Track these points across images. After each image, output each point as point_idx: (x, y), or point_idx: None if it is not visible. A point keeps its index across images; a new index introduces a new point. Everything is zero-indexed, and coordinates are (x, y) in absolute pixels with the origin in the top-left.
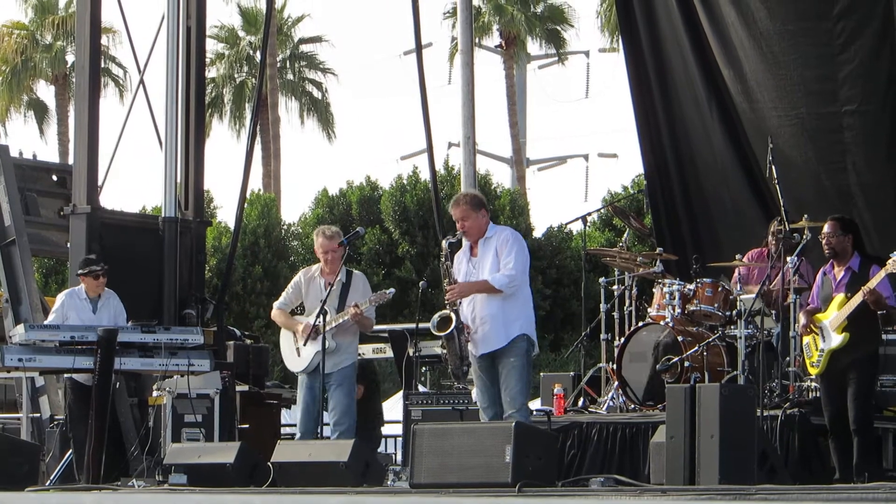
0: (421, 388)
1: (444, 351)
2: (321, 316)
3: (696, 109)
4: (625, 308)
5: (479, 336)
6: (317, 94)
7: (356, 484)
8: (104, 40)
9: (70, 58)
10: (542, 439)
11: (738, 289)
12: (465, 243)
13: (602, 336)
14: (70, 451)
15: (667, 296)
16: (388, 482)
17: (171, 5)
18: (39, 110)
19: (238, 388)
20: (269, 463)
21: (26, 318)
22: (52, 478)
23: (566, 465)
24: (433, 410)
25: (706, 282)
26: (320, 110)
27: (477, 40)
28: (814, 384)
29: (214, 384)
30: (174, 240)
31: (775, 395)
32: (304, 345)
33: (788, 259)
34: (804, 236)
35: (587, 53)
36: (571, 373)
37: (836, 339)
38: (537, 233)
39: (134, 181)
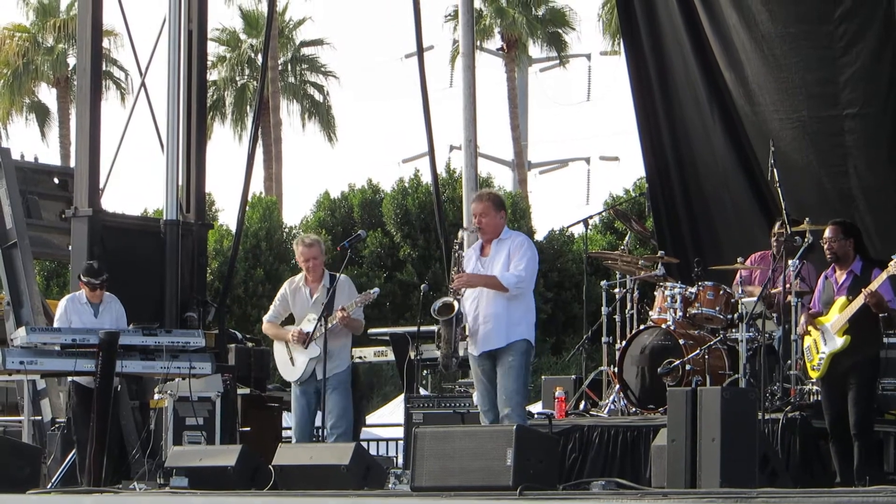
0: (422, 392)
1: (438, 339)
2: (320, 322)
3: (697, 112)
4: (626, 311)
5: (481, 334)
6: (318, 96)
7: (357, 487)
8: (106, 43)
9: (72, 60)
10: (544, 442)
11: (740, 291)
12: (477, 242)
13: (603, 339)
14: (71, 453)
15: (668, 299)
16: (389, 485)
17: (173, 8)
18: (41, 113)
19: (239, 391)
20: (270, 466)
21: (28, 321)
22: (53, 480)
23: (567, 468)
24: (434, 413)
25: (707, 285)
26: (322, 113)
27: (478, 43)
28: (815, 387)
29: (216, 387)
30: (176, 243)
31: (777, 399)
32: (306, 347)
33: (790, 262)
34: (806, 239)
35: (588, 56)
36: (573, 376)
37: (838, 342)
38: (539, 236)
39: (135, 184)
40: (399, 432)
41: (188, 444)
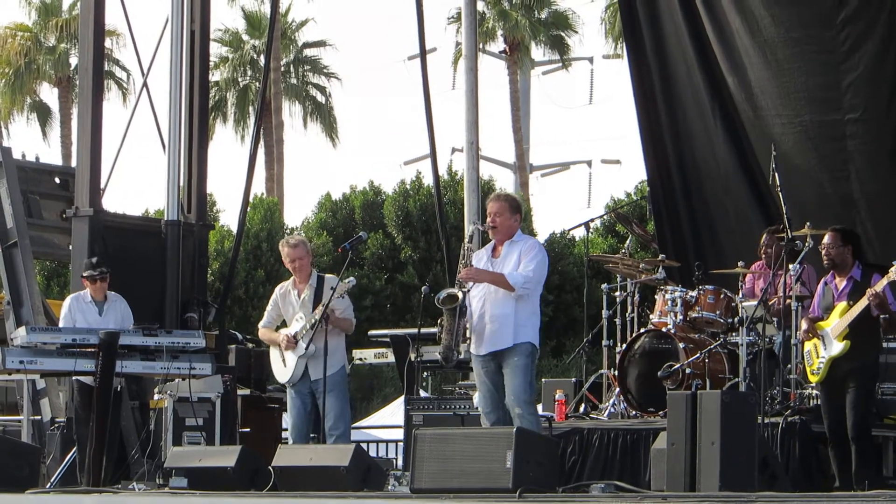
0: (422, 393)
1: (439, 330)
2: (317, 322)
3: (699, 116)
4: (627, 314)
5: (487, 334)
6: (320, 98)
7: (357, 488)
8: (108, 43)
9: (73, 60)
10: (543, 445)
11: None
12: (490, 242)
13: (604, 342)
14: (71, 452)
15: (669, 302)
16: (389, 487)
17: (175, 8)
18: (42, 112)
19: (239, 392)
20: (269, 467)
21: (28, 321)
22: (52, 480)
23: (567, 471)
24: (434, 415)
25: (708, 289)
26: (324, 114)
27: (481, 45)
28: (815, 392)
29: (216, 388)
30: (177, 243)
31: (776, 403)
32: (296, 346)
33: (791, 266)
34: (806, 244)
35: (591, 59)
36: (573, 379)
37: (837, 347)
38: (540, 238)
39: (137, 184)
40: (399, 434)
41: (188, 445)
